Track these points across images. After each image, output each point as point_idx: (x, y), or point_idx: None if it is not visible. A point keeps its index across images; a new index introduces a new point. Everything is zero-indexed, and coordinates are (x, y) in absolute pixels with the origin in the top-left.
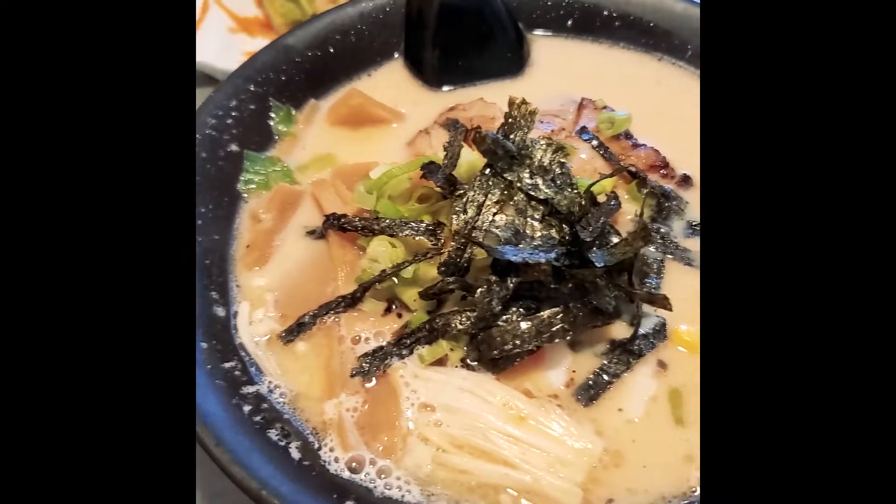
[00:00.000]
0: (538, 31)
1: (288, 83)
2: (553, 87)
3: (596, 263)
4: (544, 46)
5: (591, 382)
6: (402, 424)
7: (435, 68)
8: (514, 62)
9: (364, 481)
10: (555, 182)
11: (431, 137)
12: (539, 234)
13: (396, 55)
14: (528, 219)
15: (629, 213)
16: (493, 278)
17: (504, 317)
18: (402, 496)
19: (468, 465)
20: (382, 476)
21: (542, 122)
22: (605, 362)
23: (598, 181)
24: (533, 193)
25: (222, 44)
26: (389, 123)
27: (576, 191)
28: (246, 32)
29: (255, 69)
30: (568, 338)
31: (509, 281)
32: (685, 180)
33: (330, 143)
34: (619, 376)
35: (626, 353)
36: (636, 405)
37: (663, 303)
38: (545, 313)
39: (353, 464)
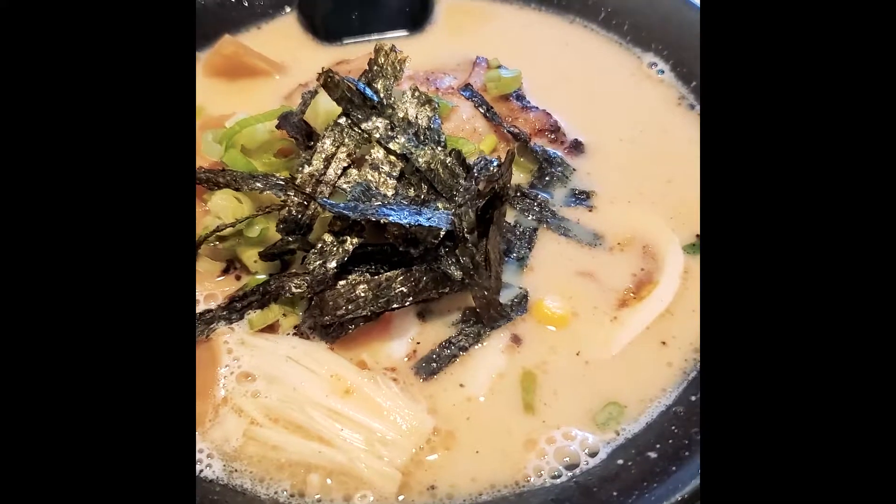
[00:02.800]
0: None
1: None
2: (453, 47)
3: (439, 225)
4: (450, 4)
5: (434, 355)
6: (215, 393)
7: (326, 21)
8: (414, 17)
9: None
10: (418, 137)
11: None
12: (392, 192)
13: (289, 10)
14: (383, 175)
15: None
16: (330, 238)
17: (343, 281)
18: (201, 471)
19: (280, 440)
20: None
21: (429, 78)
22: (454, 334)
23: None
24: (391, 147)
25: None
26: (270, 76)
27: (443, 148)
28: None
29: None
30: (408, 304)
31: (349, 241)
32: (576, 146)
33: (203, 95)
34: (467, 350)
35: (477, 324)
36: (480, 382)
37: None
38: (383, 276)
39: None
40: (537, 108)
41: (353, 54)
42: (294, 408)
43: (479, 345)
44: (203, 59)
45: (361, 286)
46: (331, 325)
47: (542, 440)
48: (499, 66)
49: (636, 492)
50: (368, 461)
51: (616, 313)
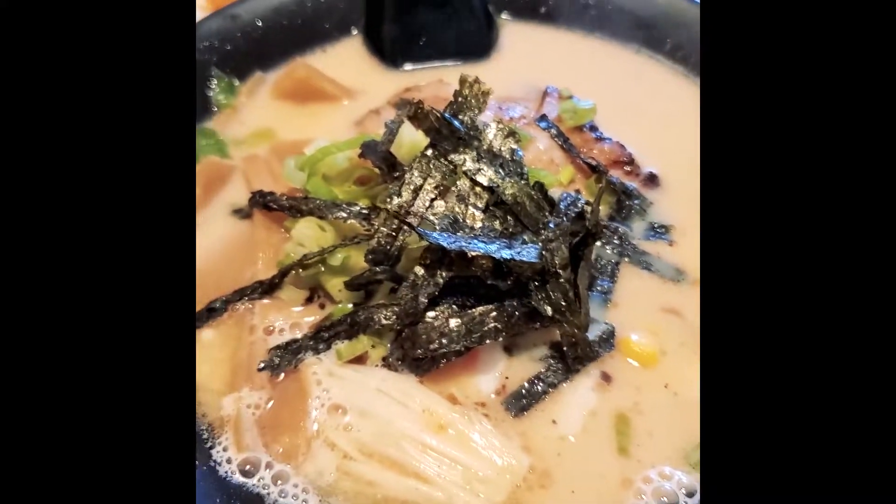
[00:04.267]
0: (509, 15)
1: (233, 53)
2: (519, 74)
3: (530, 259)
4: (515, 31)
5: (524, 391)
6: (307, 426)
7: (394, 46)
8: (480, 45)
9: (256, 486)
10: (503, 169)
11: (382, 118)
12: (480, 224)
13: (355, 31)
14: (471, 207)
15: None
16: (421, 271)
17: (433, 313)
18: None
19: (376, 476)
20: (278, 482)
21: (501, 108)
22: (542, 370)
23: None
24: (477, 179)
25: None
26: (339, 101)
27: (525, 180)
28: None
29: (198, 36)
30: (501, 339)
31: (439, 274)
32: (651, 179)
33: (272, 118)
34: (556, 386)
35: (567, 360)
36: (572, 420)
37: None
38: (477, 311)
39: (247, 466)
40: (611, 139)
41: (420, 80)
42: (389, 443)
43: (569, 381)
44: (271, 80)
45: (454, 320)
46: (422, 358)
47: (638, 480)
48: (570, 96)
49: None
50: (467, 499)
51: None
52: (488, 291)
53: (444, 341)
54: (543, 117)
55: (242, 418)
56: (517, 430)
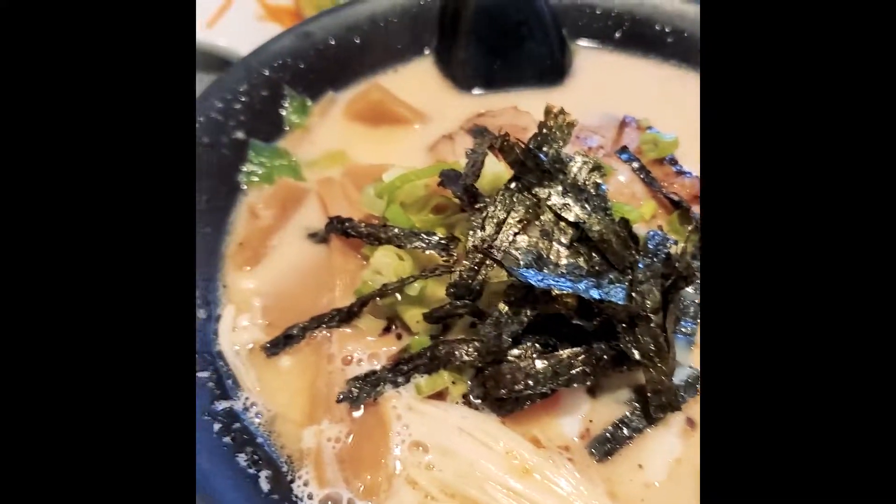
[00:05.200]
0: (584, 42)
1: (306, 72)
2: (594, 102)
3: (616, 300)
4: (589, 57)
5: (608, 435)
6: (388, 463)
7: (467, 69)
8: (553, 71)
9: None
10: (588, 204)
11: (455, 143)
12: (565, 261)
13: (427, 52)
14: (555, 243)
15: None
16: (505, 308)
17: (516, 352)
18: None
19: None
20: None
21: (578, 137)
22: (628, 413)
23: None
24: (562, 214)
25: (249, 32)
26: (411, 124)
27: (610, 216)
28: (277, 21)
29: (271, 54)
30: (588, 383)
31: (524, 312)
32: None
33: (344, 139)
34: (642, 431)
35: (652, 406)
36: (658, 466)
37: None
38: (565, 353)
39: (329, 502)
40: (691, 173)
41: (492, 105)
42: (472, 484)
43: (653, 427)
44: (344, 101)
45: (540, 361)
46: (505, 398)
47: None
48: (649, 127)
49: None
50: None
51: None
52: (572, 331)
53: (529, 382)
54: (624, 149)
55: (323, 452)
56: (602, 475)
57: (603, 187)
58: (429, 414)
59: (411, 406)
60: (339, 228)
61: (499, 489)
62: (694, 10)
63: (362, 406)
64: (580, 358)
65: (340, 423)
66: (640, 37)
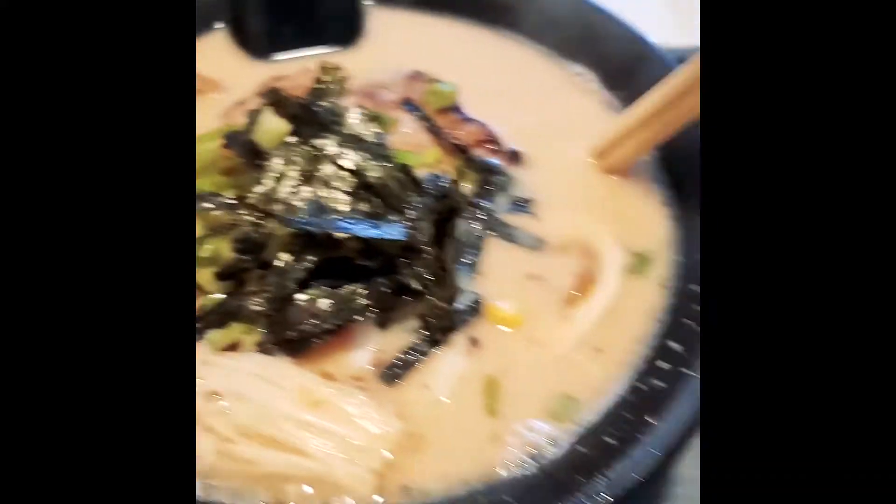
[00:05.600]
0: (377, 3)
1: None
2: (387, 60)
3: (397, 237)
4: (382, 17)
5: (397, 361)
6: None
7: (261, 37)
8: (347, 32)
9: None
10: (368, 152)
11: (247, 108)
12: (346, 207)
13: (217, 25)
14: (335, 191)
15: None
16: (288, 256)
17: (303, 296)
18: None
19: (255, 455)
20: None
21: (367, 93)
22: (415, 340)
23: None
24: (341, 163)
25: None
26: (205, 94)
27: (390, 162)
28: None
29: None
30: (371, 315)
31: (307, 258)
32: (514, 156)
33: None
34: (428, 354)
35: (436, 329)
36: (444, 385)
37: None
38: (345, 289)
39: None
40: (475, 119)
41: (288, 70)
42: (266, 423)
43: (440, 349)
44: None
45: (323, 301)
46: (294, 340)
47: (505, 434)
48: (435, 80)
49: (597, 474)
50: (344, 467)
51: (565, 312)
52: (359, 272)
53: (315, 321)
54: (408, 101)
55: None
56: (391, 398)
57: (383, 135)
58: (223, 365)
59: (205, 360)
60: None
61: (291, 423)
62: None
63: None
64: (361, 293)
65: None
66: None
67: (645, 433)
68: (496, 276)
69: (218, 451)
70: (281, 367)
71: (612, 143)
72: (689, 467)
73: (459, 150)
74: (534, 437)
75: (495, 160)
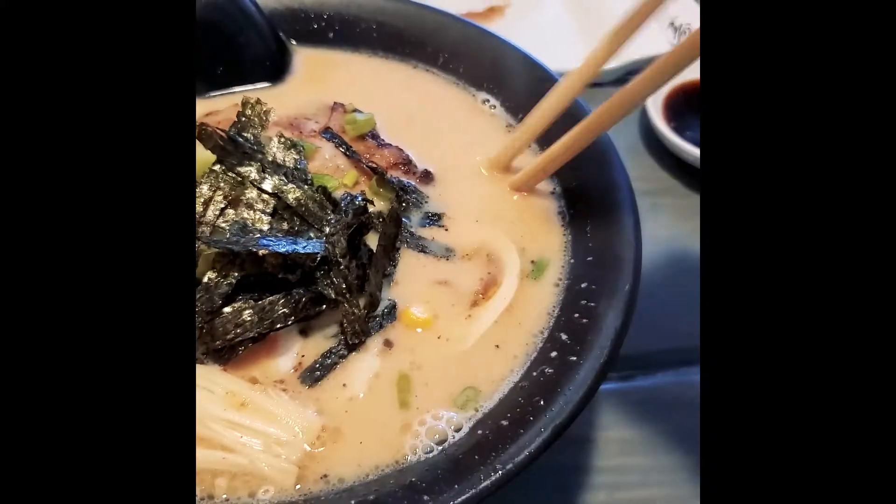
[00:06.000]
0: (302, 43)
1: None
2: (311, 94)
3: (315, 251)
4: (307, 56)
5: (317, 365)
6: None
7: (195, 75)
8: (274, 70)
9: None
10: (287, 177)
11: None
12: (268, 227)
13: None
14: (258, 213)
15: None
16: (213, 274)
17: (228, 309)
18: None
19: None
20: None
21: (293, 124)
22: (333, 345)
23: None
24: (262, 187)
25: None
26: None
27: (309, 185)
28: None
29: None
30: (290, 323)
31: (232, 275)
32: (426, 175)
33: None
34: (345, 357)
35: (352, 334)
36: (360, 383)
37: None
38: (266, 300)
39: None
40: (391, 144)
41: (220, 105)
42: (196, 424)
43: (356, 351)
44: None
45: (247, 311)
46: (222, 349)
47: (415, 424)
48: (354, 110)
49: (493, 454)
50: (267, 460)
51: (469, 312)
52: (280, 285)
53: (238, 331)
54: (328, 129)
55: None
56: (312, 398)
57: (302, 162)
58: None
59: None
60: None
61: (219, 423)
62: (391, 5)
63: None
64: (280, 302)
65: None
66: (350, 35)
67: (536, 415)
68: (410, 283)
69: None
70: (210, 374)
71: (505, 156)
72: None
73: (375, 172)
74: (440, 424)
75: (409, 180)
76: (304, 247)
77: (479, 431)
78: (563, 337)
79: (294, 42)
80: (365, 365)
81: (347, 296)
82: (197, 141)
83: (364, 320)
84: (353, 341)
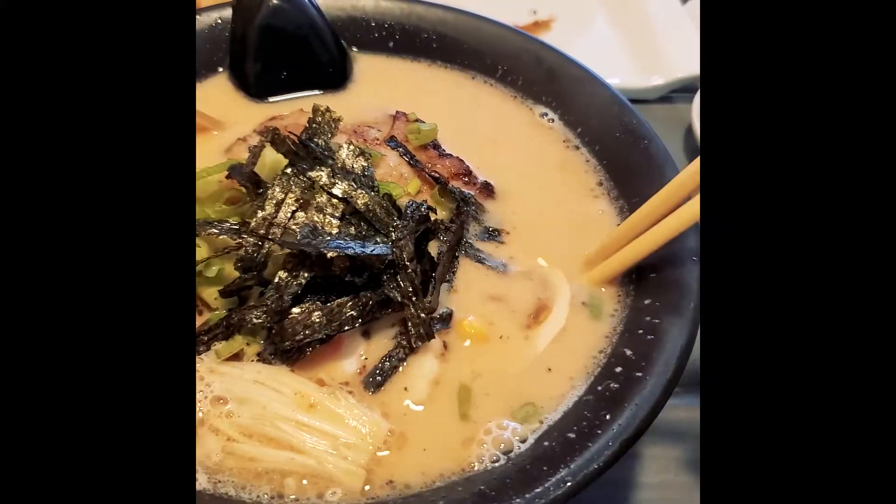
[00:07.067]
0: (362, 50)
1: None
2: (372, 101)
3: (382, 254)
4: (367, 63)
5: (377, 370)
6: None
7: (258, 81)
8: (336, 77)
9: None
10: (356, 183)
11: (248, 144)
12: (336, 230)
13: (221, 70)
14: (328, 216)
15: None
16: (285, 274)
17: (297, 310)
18: None
19: (256, 453)
20: None
21: (356, 131)
22: (392, 347)
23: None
24: (333, 192)
25: None
26: (209, 132)
27: (375, 191)
28: None
29: None
30: (357, 325)
31: (301, 276)
32: (486, 187)
33: None
34: (405, 360)
35: (415, 337)
36: (421, 388)
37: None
38: (335, 302)
39: None
40: (451, 155)
41: (283, 110)
42: (266, 424)
43: (415, 355)
44: None
45: (316, 313)
46: (290, 349)
47: (480, 433)
48: (416, 120)
49: (562, 465)
50: (336, 462)
51: (526, 333)
52: (348, 288)
53: (307, 332)
54: (392, 138)
55: None
56: (378, 401)
57: (369, 169)
58: (227, 373)
59: (212, 368)
60: None
61: (288, 423)
62: (451, 16)
63: None
64: (349, 305)
65: None
66: (410, 44)
67: (603, 429)
68: (467, 293)
69: (223, 450)
70: (279, 375)
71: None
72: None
73: (438, 182)
74: (505, 434)
75: (469, 191)
76: (373, 250)
77: (545, 443)
78: (628, 352)
79: (355, 49)
80: (425, 369)
81: (413, 299)
82: (268, 143)
83: (428, 323)
84: (416, 344)
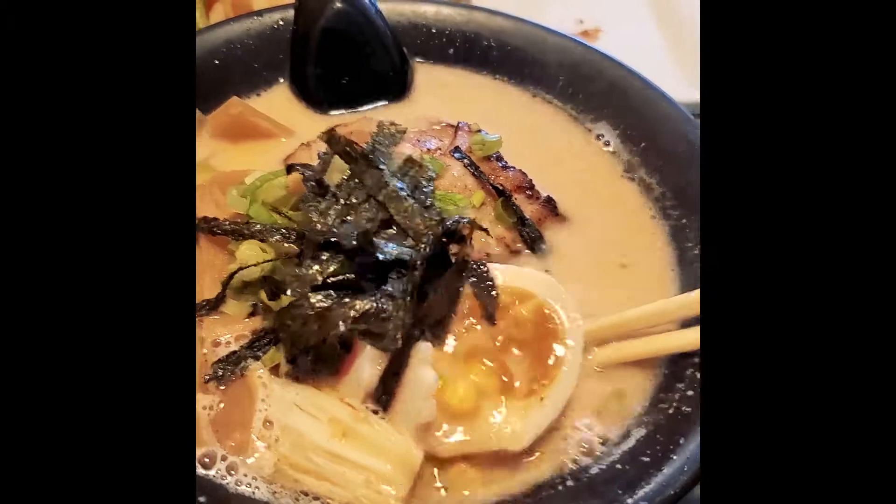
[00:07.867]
0: (422, 58)
1: None
2: (434, 111)
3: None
4: (427, 72)
5: (380, 392)
6: (256, 424)
7: (319, 88)
8: (397, 85)
9: (216, 478)
10: (414, 195)
11: (312, 150)
12: (386, 237)
13: (282, 80)
14: (370, 221)
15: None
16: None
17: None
18: (252, 493)
19: (299, 478)
20: (231, 473)
21: (419, 141)
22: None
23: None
24: (390, 203)
25: None
26: (275, 137)
27: (429, 203)
28: None
29: None
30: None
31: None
32: (548, 202)
33: (209, 154)
34: (398, 375)
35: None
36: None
37: None
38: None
39: (206, 459)
40: (514, 167)
41: (346, 119)
42: (300, 454)
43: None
44: (207, 120)
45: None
46: (317, 358)
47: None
48: (479, 130)
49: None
50: (368, 495)
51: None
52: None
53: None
54: (457, 149)
55: (199, 419)
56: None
57: (431, 181)
58: (274, 391)
59: (264, 382)
60: (206, 228)
61: (322, 455)
62: (512, 24)
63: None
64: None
65: (214, 394)
66: (470, 52)
67: (677, 452)
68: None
69: (276, 465)
70: (315, 398)
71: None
72: None
73: (501, 194)
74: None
75: (528, 215)
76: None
77: (619, 466)
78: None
79: (418, 59)
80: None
81: (408, 300)
82: (336, 153)
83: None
84: (391, 347)
